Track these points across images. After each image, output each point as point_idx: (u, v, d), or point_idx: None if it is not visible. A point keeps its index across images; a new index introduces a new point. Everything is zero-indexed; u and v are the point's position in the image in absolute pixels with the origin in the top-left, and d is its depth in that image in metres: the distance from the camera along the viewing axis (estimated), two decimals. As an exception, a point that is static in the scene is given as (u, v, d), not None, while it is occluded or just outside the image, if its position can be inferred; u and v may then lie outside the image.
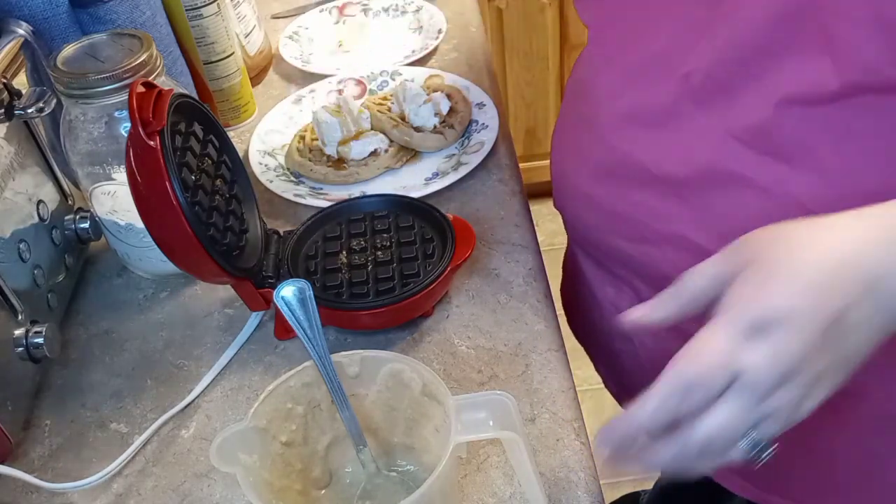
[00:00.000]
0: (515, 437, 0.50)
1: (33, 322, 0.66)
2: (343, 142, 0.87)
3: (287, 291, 0.53)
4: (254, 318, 0.73)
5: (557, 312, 0.72)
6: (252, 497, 0.48)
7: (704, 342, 0.44)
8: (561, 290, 0.86)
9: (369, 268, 0.71)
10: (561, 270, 0.88)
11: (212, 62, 0.93)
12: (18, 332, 0.64)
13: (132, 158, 0.60)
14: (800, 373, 0.43)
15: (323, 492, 0.58)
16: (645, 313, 0.49)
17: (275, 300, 0.53)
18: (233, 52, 0.95)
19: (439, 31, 1.08)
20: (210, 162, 0.68)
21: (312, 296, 0.53)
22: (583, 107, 0.69)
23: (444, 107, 0.91)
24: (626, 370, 0.78)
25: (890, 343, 0.47)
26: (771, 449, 0.46)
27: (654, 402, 0.44)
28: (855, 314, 0.43)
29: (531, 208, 0.84)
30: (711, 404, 0.44)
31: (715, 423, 0.44)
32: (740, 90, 0.55)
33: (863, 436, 0.63)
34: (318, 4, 1.19)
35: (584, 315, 0.81)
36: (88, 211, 0.77)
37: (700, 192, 0.59)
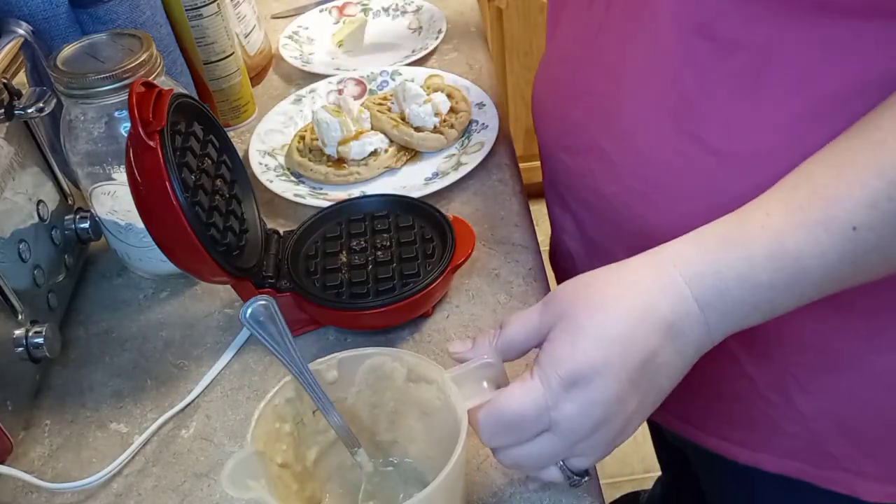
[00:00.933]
0: None
1: (33, 322, 0.66)
2: (343, 142, 0.87)
3: (252, 310, 0.52)
4: (254, 318, 0.73)
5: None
6: None
7: (524, 392, 0.48)
8: (550, 244, 0.89)
9: (369, 268, 0.71)
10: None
11: (212, 62, 0.93)
12: (18, 332, 0.64)
13: (132, 158, 0.60)
14: (612, 418, 0.48)
15: None
16: (463, 351, 0.54)
17: (242, 320, 0.52)
18: (233, 52, 0.95)
19: (439, 31, 1.08)
20: (210, 162, 0.68)
21: (278, 309, 0.52)
22: (548, 36, 0.73)
23: (444, 107, 0.91)
24: None
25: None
26: (585, 478, 0.52)
27: (480, 430, 0.50)
28: (660, 358, 0.48)
29: (531, 208, 0.84)
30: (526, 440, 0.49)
31: (524, 454, 0.50)
32: (643, 15, 0.58)
33: (741, 362, 0.64)
34: (317, 4, 1.19)
35: (552, 242, 0.85)
36: (88, 211, 0.77)
37: (610, 104, 0.63)
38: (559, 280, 0.85)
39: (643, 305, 0.48)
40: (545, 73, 0.75)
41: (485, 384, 0.52)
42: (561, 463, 0.51)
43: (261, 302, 0.52)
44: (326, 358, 0.55)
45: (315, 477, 0.57)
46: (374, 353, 0.55)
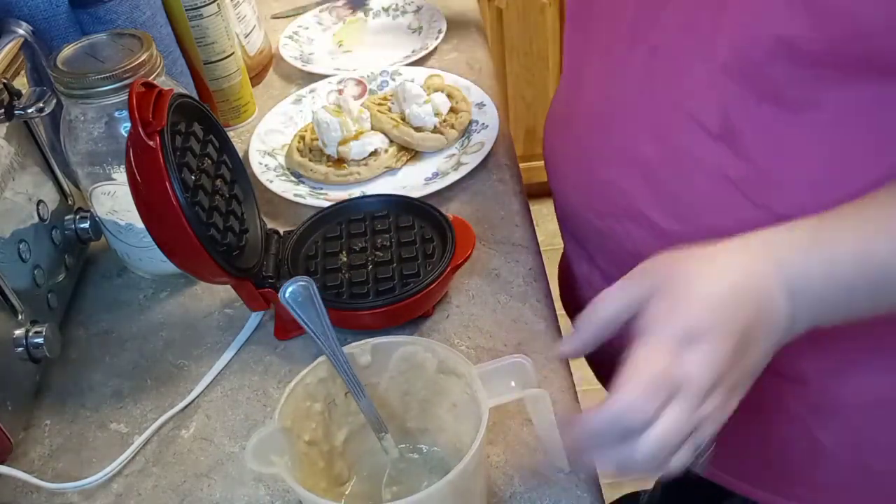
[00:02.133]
0: (542, 393, 0.52)
1: (33, 322, 0.66)
2: (343, 142, 0.87)
3: (292, 290, 0.53)
4: (254, 318, 0.73)
5: (558, 312, 0.72)
6: (302, 493, 0.48)
7: (642, 359, 0.47)
8: (559, 267, 0.88)
9: (369, 268, 0.71)
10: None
11: (212, 62, 0.93)
12: (18, 332, 0.64)
13: (132, 158, 0.60)
14: (725, 377, 0.48)
15: (349, 487, 0.58)
16: (568, 349, 0.54)
17: (281, 301, 0.53)
18: (233, 52, 0.95)
19: (439, 31, 1.08)
20: (210, 162, 0.68)
21: (317, 291, 0.53)
22: (570, 80, 0.70)
23: (444, 107, 0.91)
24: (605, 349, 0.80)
25: (821, 337, 0.53)
26: (709, 451, 0.50)
27: (605, 416, 0.46)
28: (753, 333, 0.49)
29: (531, 208, 0.84)
30: (657, 416, 0.46)
31: (662, 431, 0.46)
32: (686, 66, 0.55)
33: (805, 423, 0.64)
34: (318, 4, 1.19)
35: (568, 291, 0.83)
36: (88, 211, 0.77)
37: (659, 171, 0.60)
38: (561, 292, 0.85)
39: (742, 280, 0.49)
40: (561, 121, 0.71)
41: (512, 383, 0.52)
42: (692, 442, 0.48)
43: (301, 282, 0.53)
44: (360, 342, 0.56)
45: (344, 457, 0.58)
46: (407, 342, 0.56)
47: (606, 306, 0.51)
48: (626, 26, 0.59)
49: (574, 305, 0.82)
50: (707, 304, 0.48)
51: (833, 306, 0.50)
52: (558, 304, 0.75)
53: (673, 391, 0.46)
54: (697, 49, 0.54)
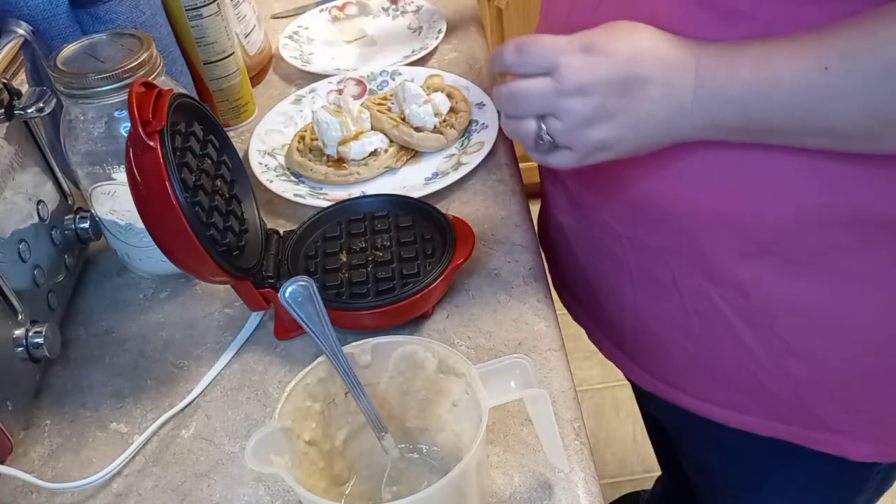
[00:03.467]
0: (542, 393, 0.52)
1: (33, 322, 0.66)
2: (343, 142, 0.87)
3: (291, 290, 0.53)
4: (254, 318, 0.73)
5: (558, 312, 0.72)
6: (302, 492, 0.48)
7: (550, 38, 0.57)
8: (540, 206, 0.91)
9: (369, 268, 0.71)
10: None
11: (212, 62, 0.93)
12: (18, 332, 0.64)
13: (132, 158, 0.60)
14: (596, 94, 0.55)
15: (349, 487, 0.58)
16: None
17: (280, 300, 0.53)
18: (233, 52, 0.95)
19: (439, 32, 1.08)
20: (210, 162, 0.68)
21: (317, 291, 0.53)
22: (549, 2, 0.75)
23: (444, 107, 0.91)
24: (565, 265, 0.84)
25: (748, 239, 0.61)
26: (550, 148, 0.59)
27: (500, 49, 0.58)
28: (650, 90, 0.55)
29: (531, 208, 0.84)
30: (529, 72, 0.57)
31: (520, 85, 0.57)
32: None
33: (731, 324, 0.67)
34: (318, 4, 1.19)
35: (543, 216, 0.87)
36: (88, 211, 0.77)
37: None
38: (548, 258, 0.87)
39: (662, 43, 0.56)
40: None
41: (512, 383, 0.52)
42: (540, 121, 0.58)
43: (300, 282, 0.53)
44: (360, 342, 0.56)
45: (343, 457, 0.58)
46: (407, 342, 0.56)
47: (541, 36, 0.58)
48: None
49: (545, 232, 0.86)
50: (619, 37, 0.56)
51: (728, 101, 0.55)
52: (559, 304, 0.75)
53: (550, 68, 0.56)
54: None
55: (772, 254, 0.62)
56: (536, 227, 0.86)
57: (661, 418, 0.84)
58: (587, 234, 0.75)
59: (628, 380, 0.83)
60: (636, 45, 0.56)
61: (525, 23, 1.88)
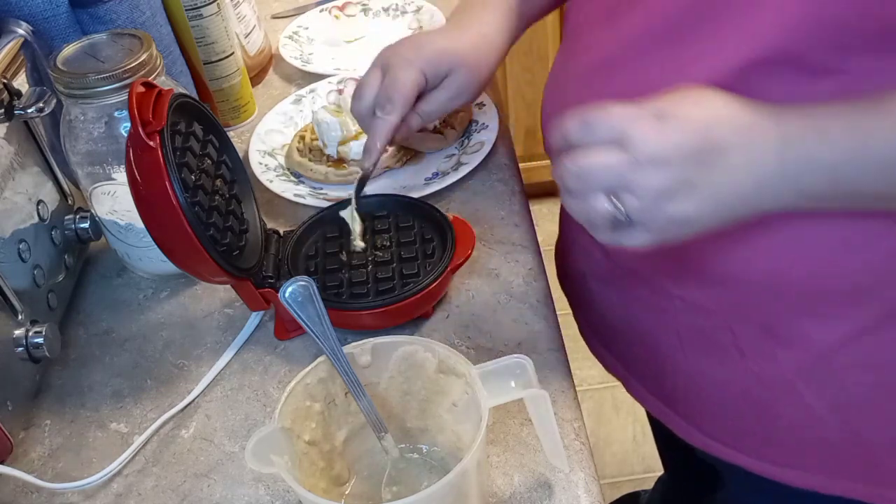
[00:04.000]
0: (542, 393, 0.52)
1: (33, 322, 0.66)
2: (343, 142, 0.87)
3: (292, 290, 0.53)
4: (254, 318, 0.73)
5: (558, 312, 0.72)
6: (301, 492, 0.48)
7: (617, 105, 0.51)
8: (556, 244, 0.88)
9: (369, 268, 0.71)
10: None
11: (212, 62, 0.93)
12: (18, 332, 0.64)
13: (132, 158, 0.60)
14: (673, 165, 0.49)
15: (349, 487, 0.58)
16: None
17: (281, 301, 0.53)
18: (233, 52, 0.95)
19: (439, 31, 1.08)
20: (210, 162, 0.68)
21: (317, 291, 0.53)
22: (567, 52, 0.71)
23: (444, 107, 0.91)
24: (597, 313, 0.81)
25: (814, 295, 0.58)
26: (623, 227, 0.52)
27: (563, 123, 0.53)
28: (731, 158, 0.50)
29: (531, 208, 0.84)
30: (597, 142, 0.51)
31: (587, 159, 0.51)
32: (696, 32, 0.56)
33: (794, 386, 0.65)
34: (318, 4, 1.19)
35: (566, 260, 0.84)
36: (88, 211, 0.77)
37: None
38: (573, 303, 0.85)
39: (739, 109, 0.51)
40: (558, 84, 0.71)
41: (512, 383, 0.52)
42: (612, 198, 0.51)
43: (301, 282, 0.53)
44: (360, 342, 0.56)
45: (344, 457, 0.58)
46: (407, 342, 0.56)
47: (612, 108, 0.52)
48: None
49: (570, 276, 0.83)
50: (695, 102, 0.51)
51: (818, 164, 0.51)
52: (559, 305, 0.75)
53: (620, 138, 0.50)
54: (703, 16, 0.55)
55: (846, 313, 0.60)
56: (556, 269, 0.85)
57: (707, 461, 0.82)
58: (626, 288, 0.72)
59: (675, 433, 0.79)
60: (711, 110, 0.51)
61: (525, 23, 1.88)
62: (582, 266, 0.78)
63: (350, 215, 0.73)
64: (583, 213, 0.53)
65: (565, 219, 0.83)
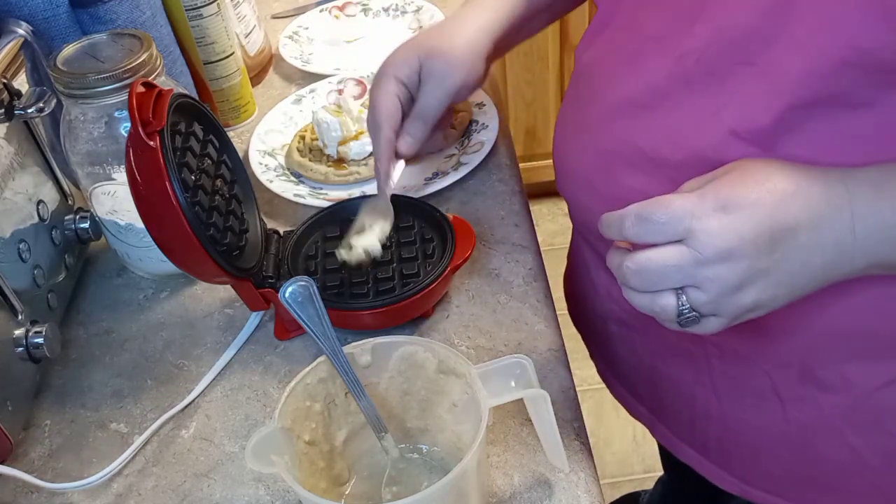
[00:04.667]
0: (542, 393, 0.52)
1: (33, 322, 0.66)
2: (343, 142, 0.87)
3: (292, 290, 0.53)
4: (254, 318, 0.73)
5: (557, 312, 0.72)
6: (301, 492, 0.48)
7: (676, 198, 0.49)
8: (564, 277, 0.87)
9: (369, 268, 0.71)
10: (563, 268, 0.88)
11: (212, 62, 0.93)
12: (18, 332, 0.64)
13: (132, 158, 0.60)
14: (743, 257, 0.48)
15: (349, 487, 0.58)
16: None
17: (281, 301, 0.53)
18: (233, 52, 0.95)
19: (439, 31, 1.08)
20: (210, 162, 0.68)
21: (317, 291, 0.54)
22: (583, 90, 0.69)
23: (444, 107, 0.91)
24: (619, 356, 0.78)
25: (859, 338, 0.56)
26: (693, 321, 0.51)
27: (616, 217, 0.51)
28: (801, 238, 0.48)
29: (531, 208, 0.84)
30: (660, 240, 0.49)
31: (651, 259, 0.49)
32: (732, 76, 0.54)
33: (838, 430, 0.64)
34: (318, 4, 1.19)
35: (583, 301, 0.81)
36: (88, 211, 0.77)
37: (687, 175, 0.57)
38: (591, 344, 0.84)
39: (804, 182, 0.49)
40: (576, 125, 0.69)
41: (513, 383, 0.52)
42: (679, 290, 0.50)
43: (301, 282, 0.53)
44: (360, 342, 0.56)
45: (344, 457, 0.58)
46: (407, 342, 0.56)
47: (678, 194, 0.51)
48: (654, 34, 0.59)
49: (587, 315, 0.81)
50: (762, 188, 0.48)
51: (894, 237, 0.49)
52: (558, 305, 0.75)
53: (683, 235, 0.48)
54: (738, 59, 0.53)
55: (889, 356, 0.59)
56: (568, 309, 0.84)
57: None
58: (652, 334, 0.69)
59: (708, 480, 0.77)
60: (778, 190, 0.48)
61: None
62: (600, 309, 0.76)
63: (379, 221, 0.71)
64: (648, 309, 0.51)
65: (578, 258, 0.80)
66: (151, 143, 0.59)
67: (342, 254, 0.70)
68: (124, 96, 0.68)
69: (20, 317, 0.65)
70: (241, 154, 0.78)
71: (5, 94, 0.67)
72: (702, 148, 0.56)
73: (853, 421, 0.62)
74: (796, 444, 0.66)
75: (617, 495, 1.50)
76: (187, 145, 0.65)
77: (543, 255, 0.78)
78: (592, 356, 0.86)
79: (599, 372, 0.85)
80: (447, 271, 0.69)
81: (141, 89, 0.60)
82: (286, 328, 0.71)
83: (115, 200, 0.73)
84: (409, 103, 0.74)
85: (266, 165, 0.89)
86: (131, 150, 0.60)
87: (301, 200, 0.83)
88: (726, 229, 0.47)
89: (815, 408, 0.63)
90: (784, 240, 0.48)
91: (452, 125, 0.90)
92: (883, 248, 0.50)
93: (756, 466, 0.70)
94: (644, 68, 0.60)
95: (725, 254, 0.48)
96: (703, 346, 0.65)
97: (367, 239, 0.70)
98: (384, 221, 0.71)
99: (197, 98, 0.68)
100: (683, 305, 0.50)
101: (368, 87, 1.00)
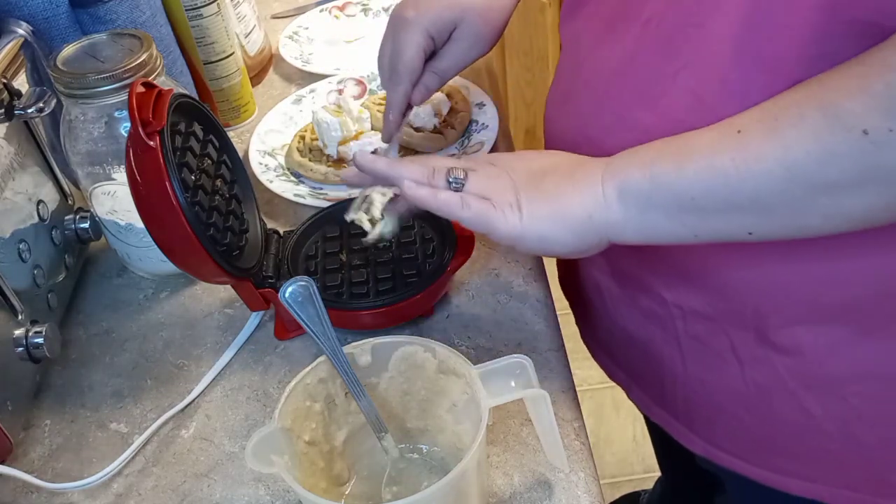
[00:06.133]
0: (542, 393, 0.52)
1: (33, 322, 0.66)
2: (343, 142, 0.87)
3: (291, 290, 0.53)
4: (254, 318, 0.73)
5: (558, 312, 0.72)
6: (301, 492, 0.48)
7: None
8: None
9: (369, 268, 0.71)
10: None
11: (212, 62, 0.93)
12: (18, 332, 0.64)
13: (132, 158, 0.60)
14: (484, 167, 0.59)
15: (349, 487, 0.58)
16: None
17: (281, 301, 0.53)
18: (233, 52, 0.95)
19: (439, 31, 1.07)
20: (210, 162, 0.68)
21: (317, 291, 0.54)
22: (566, 60, 0.70)
23: (444, 107, 0.91)
24: (597, 321, 0.81)
25: (819, 308, 0.58)
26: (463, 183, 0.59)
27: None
28: (557, 176, 0.58)
29: (531, 208, 0.84)
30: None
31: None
32: (686, 40, 0.55)
33: (793, 392, 0.64)
34: (318, 4, 1.19)
35: (569, 270, 0.83)
36: (88, 211, 0.77)
37: (658, 137, 0.60)
38: (577, 312, 0.84)
39: (565, 157, 0.60)
40: (561, 97, 0.71)
41: (513, 383, 0.53)
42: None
43: (301, 282, 0.53)
44: (360, 342, 0.56)
45: (343, 457, 0.58)
46: (407, 342, 0.56)
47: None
48: (626, 2, 0.61)
49: (571, 279, 0.83)
50: (519, 156, 0.61)
51: (638, 162, 0.54)
52: (558, 305, 0.75)
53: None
54: (691, 21, 0.55)
55: (846, 321, 0.59)
56: (559, 276, 0.85)
57: (708, 469, 0.82)
58: (627, 297, 0.72)
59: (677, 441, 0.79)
60: (537, 154, 0.61)
61: (525, 23, 1.88)
62: (585, 273, 0.78)
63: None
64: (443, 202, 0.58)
65: None
66: (151, 143, 0.59)
67: (361, 217, 0.67)
68: (124, 96, 0.68)
69: (20, 317, 0.65)
70: (241, 154, 0.78)
71: (5, 94, 0.67)
72: (672, 110, 0.57)
73: (808, 384, 0.63)
74: (755, 406, 0.67)
75: (617, 495, 1.50)
76: (187, 145, 0.65)
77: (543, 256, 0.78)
78: (577, 322, 0.87)
79: (582, 336, 0.86)
80: (447, 271, 0.69)
81: (141, 89, 0.60)
82: (286, 328, 0.71)
83: (115, 200, 0.73)
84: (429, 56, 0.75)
85: (266, 165, 0.89)
86: (131, 150, 0.60)
87: (301, 200, 0.83)
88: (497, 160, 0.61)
89: (771, 369, 0.64)
90: (540, 175, 0.58)
91: (452, 125, 0.90)
92: (623, 171, 0.55)
93: (719, 427, 0.71)
94: (617, 36, 0.62)
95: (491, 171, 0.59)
96: (668, 307, 0.67)
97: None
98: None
99: (197, 98, 0.68)
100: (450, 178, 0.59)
101: (368, 87, 1.00)
